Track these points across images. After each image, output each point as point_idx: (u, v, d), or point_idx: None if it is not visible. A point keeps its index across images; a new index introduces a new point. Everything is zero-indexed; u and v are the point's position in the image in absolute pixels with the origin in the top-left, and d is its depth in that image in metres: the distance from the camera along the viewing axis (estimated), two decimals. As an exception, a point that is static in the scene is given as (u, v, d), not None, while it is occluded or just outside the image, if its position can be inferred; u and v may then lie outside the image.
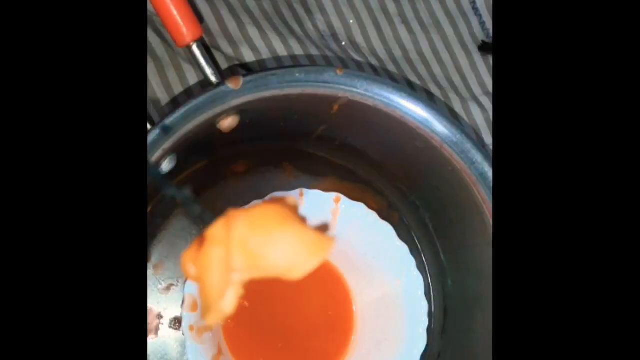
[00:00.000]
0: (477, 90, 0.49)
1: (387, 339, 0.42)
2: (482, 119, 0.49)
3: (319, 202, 0.40)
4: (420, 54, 0.49)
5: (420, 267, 0.42)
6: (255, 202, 0.39)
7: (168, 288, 0.43)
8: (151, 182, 0.35)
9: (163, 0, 0.37)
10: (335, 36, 0.48)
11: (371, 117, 0.39)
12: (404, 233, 0.44)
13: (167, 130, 0.35)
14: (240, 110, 0.37)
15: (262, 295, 0.42)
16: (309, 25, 0.47)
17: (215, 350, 0.39)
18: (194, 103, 0.36)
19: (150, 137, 0.35)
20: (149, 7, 0.39)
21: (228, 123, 0.37)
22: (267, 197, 0.40)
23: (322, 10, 0.47)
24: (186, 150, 0.37)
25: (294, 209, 0.30)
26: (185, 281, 0.38)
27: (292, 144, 0.45)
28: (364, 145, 0.44)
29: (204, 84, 0.37)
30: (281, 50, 0.46)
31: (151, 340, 0.42)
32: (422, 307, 0.41)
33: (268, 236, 0.28)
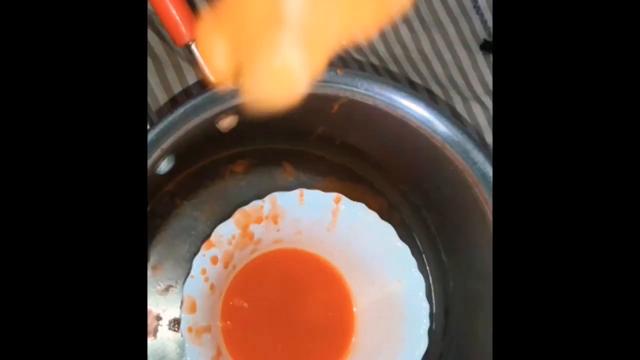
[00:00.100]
0: (478, 90, 0.49)
1: (388, 340, 0.42)
2: (483, 118, 0.49)
3: (319, 202, 0.40)
4: (422, 53, 0.49)
5: (421, 268, 0.42)
6: (255, 202, 0.39)
7: (167, 289, 0.42)
8: (150, 182, 0.35)
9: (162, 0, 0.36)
10: (335, 35, 0.47)
11: (372, 116, 0.39)
12: (405, 234, 0.44)
13: (166, 130, 0.35)
14: (239, 110, 0.37)
15: (262, 296, 0.42)
16: (309, 24, 0.47)
17: (214, 352, 0.39)
18: (193, 103, 0.35)
19: (149, 137, 0.35)
20: (148, 6, 0.39)
21: (227, 123, 0.37)
22: (266, 198, 0.39)
23: (323, 9, 0.47)
24: (185, 150, 0.37)
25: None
26: (184, 282, 0.38)
27: (292, 143, 0.45)
28: (365, 145, 0.43)
29: (203, 84, 0.37)
30: (281, 49, 0.45)
31: (150, 341, 0.42)
32: (423, 308, 0.41)
33: None
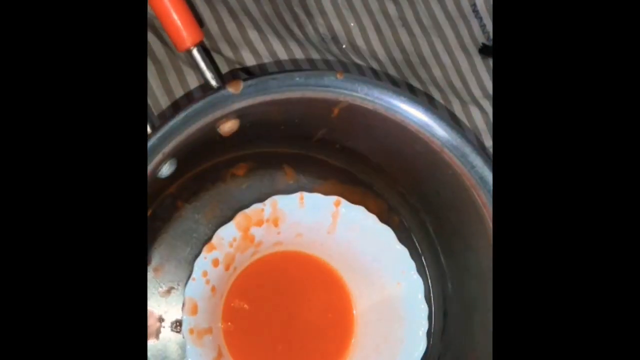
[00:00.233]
0: (477, 93, 0.49)
1: (387, 342, 0.42)
2: (482, 121, 0.49)
3: (319, 205, 0.40)
4: (421, 56, 0.49)
5: (421, 270, 0.42)
6: (255, 205, 0.40)
7: (169, 291, 0.43)
8: (152, 185, 0.36)
9: (163, 4, 0.37)
10: (335, 39, 0.48)
11: (371, 120, 0.39)
12: (404, 236, 0.44)
13: (167, 134, 0.35)
14: (240, 114, 0.37)
15: (263, 298, 0.43)
16: (309, 28, 0.47)
17: (216, 353, 0.39)
18: (194, 107, 0.36)
19: (151, 141, 0.35)
20: (149, 10, 0.39)
21: (228, 127, 0.37)
22: (267, 201, 0.40)
23: (323, 13, 0.48)
24: (186, 154, 0.37)
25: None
26: (186, 284, 0.38)
27: (292, 147, 0.45)
28: (364, 149, 0.44)
29: (205, 88, 0.37)
30: (282, 54, 0.46)
31: (152, 343, 0.42)
32: (422, 310, 0.41)
33: None
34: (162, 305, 0.42)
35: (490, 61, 0.50)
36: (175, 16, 0.37)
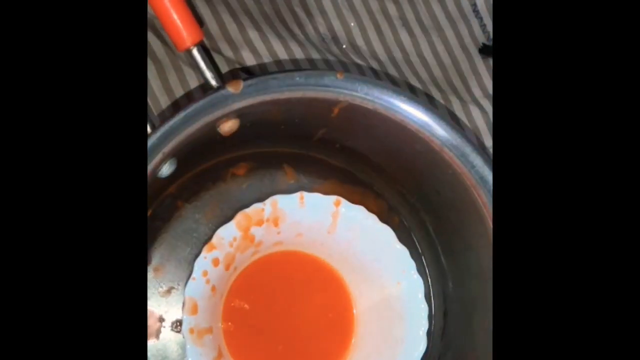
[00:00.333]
0: (477, 93, 0.49)
1: (387, 341, 0.42)
2: (482, 121, 0.49)
3: (319, 205, 0.40)
4: (421, 56, 0.49)
5: (421, 270, 0.42)
6: (256, 205, 0.40)
7: (169, 291, 0.43)
8: (152, 185, 0.36)
9: (163, 4, 0.37)
10: (335, 39, 0.48)
11: (371, 120, 0.39)
12: (404, 236, 0.44)
13: (167, 134, 0.35)
14: (240, 113, 0.37)
15: (263, 297, 0.43)
16: (309, 28, 0.47)
17: (216, 353, 0.39)
18: (194, 107, 0.36)
19: (151, 141, 0.35)
20: (149, 10, 0.39)
21: (228, 126, 0.38)
22: (267, 200, 0.40)
23: (323, 13, 0.48)
24: (187, 154, 0.37)
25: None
26: (186, 284, 0.38)
27: (292, 146, 0.45)
28: (365, 149, 0.44)
29: (205, 88, 0.37)
30: (282, 54, 0.46)
31: (152, 343, 0.42)
32: (422, 310, 0.41)
33: None
34: (162, 305, 0.42)
35: (491, 61, 0.50)
36: (175, 16, 0.37)
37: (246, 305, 0.42)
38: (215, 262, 0.39)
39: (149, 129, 0.36)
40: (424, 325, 0.41)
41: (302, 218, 0.41)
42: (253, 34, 0.45)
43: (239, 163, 0.44)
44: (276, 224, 0.41)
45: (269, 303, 0.43)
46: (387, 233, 0.41)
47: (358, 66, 0.47)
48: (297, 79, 0.37)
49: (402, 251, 0.41)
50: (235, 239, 0.39)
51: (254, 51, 0.45)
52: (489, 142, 0.48)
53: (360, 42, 0.48)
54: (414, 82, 0.48)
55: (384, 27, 0.49)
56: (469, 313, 0.43)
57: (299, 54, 0.46)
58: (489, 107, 0.49)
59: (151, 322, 0.42)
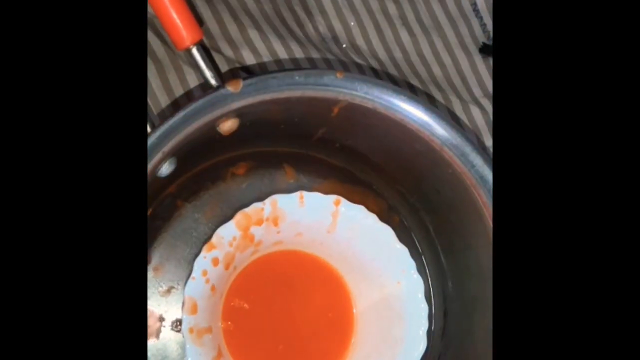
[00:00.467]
0: (477, 92, 0.49)
1: (387, 341, 0.42)
2: (482, 121, 0.49)
3: (319, 205, 0.40)
4: (421, 56, 0.49)
5: (421, 269, 0.42)
6: (255, 204, 0.40)
7: (168, 290, 0.43)
8: (152, 184, 0.36)
9: (163, 3, 0.37)
10: (335, 38, 0.48)
11: (371, 119, 0.39)
12: (404, 235, 0.44)
13: (167, 133, 0.35)
14: (240, 113, 0.37)
15: (263, 297, 0.43)
16: (309, 27, 0.47)
17: (215, 352, 0.39)
18: (193, 106, 0.36)
19: (150, 140, 0.35)
20: (149, 9, 0.39)
21: (228, 126, 0.38)
22: (267, 200, 0.40)
23: (323, 12, 0.48)
24: (186, 153, 0.37)
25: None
26: (185, 284, 0.38)
27: (292, 146, 0.45)
28: (364, 148, 0.44)
29: (205, 87, 0.37)
30: (282, 53, 0.46)
31: (152, 342, 0.42)
32: (422, 310, 0.41)
33: None
34: (162, 305, 0.42)
35: (491, 60, 0.50)
36: (174, 15, 0.37)
37: (246, 305, 0.42)
38: (215, 261, 0.39)
39: (148, 128, 0.36)
40: (424, 324, 0.41)
41: (302, 217, 0.41)
42: (253, 33, 0.45)
43: (239, 162, 0.44)
44: (276, 224, 0.41)
45: (269, 302, 0.43)
46: (387, 232, 0.41)
47: (358, 65, 0.47)
48: (297, 78, 0.37)
49: (402, 251, 0.41)
50: (235, 239, 0.39)
51: (253, 50, 0.45)
52: (489, 141, 0.48)
53: (360, 41, 0.48)
54: (414, 81, 0.48)
55: (384, 26, 0.49)
56: (468, 312, 0.43)
57: (298, 53, 0.46)
58: (489, 107, 0.49)
59: (151, 322, 0.42)
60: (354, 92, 0.38)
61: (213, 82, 0.37)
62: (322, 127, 0.42)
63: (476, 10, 0.51)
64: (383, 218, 0.41)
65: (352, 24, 0.48)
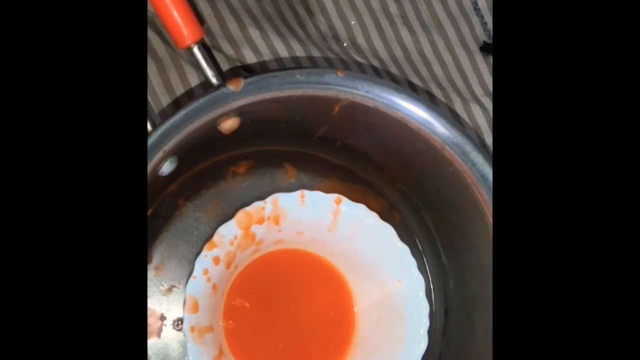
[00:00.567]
0: (478, 91, 0.49)
1: (388, 339, 0.42)
2: (483, 119, 0.49)
3: (320, 203, 0.40)
4: (422, 54, 0.49)
5: (422, 268, 0.42)
6: (256, 203, 0.40)
7: (170, 289, 0.43)
8: (153, 183, 0.36)
9: (163, 2, 0.37)
10: (336, 37, 0.48)
11: (372, 118, 0.39)
12: (405, 234, 0.44)
13: (168, 132, 0.35)
14: (241, 111, 0.37)
15: (264, 296, 0.43)
16: (310, 26, 0.47)
17: (217, 351, 0.40)
18: (194, 105, 0.36)
19: (151, 139, 0.35)
20: (150, 8, 0.39)
21: (229, 125, 0.38)
22: (268, 199, 0.40)
23: (324, 11, 0.48)
24: (187, 152, 0.37)
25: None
26: (187, 282, 0.38)
27: (293, 145, 0.45)
28: (365, 147, 0.44)
29: (205, 86, 0.37)
30: (282, 52, 0.46)
31: (154, 341, 0.42)
32: (423, 308, 0.41)
33: None
34: (164, 304, 0.43)
35: (492, 59, 0.50)
36: (175, 14, 0.37)
37: (247, 304, 0.42)
38: (216, 260, 0.39)
39: (149, 127, 0.36)
40: (425, 323, 0.41)
41: (303, 216, 0.41)
42: (254, 32, 0.45)
43: (240, 161, 0.44)
44: (277, 222, 0.41)
45: (270, 301, 0.43)
46: (387, 231, 0.41)
47: (359, 64, 0.47)
48: (298, 76, 0.37)
49: (403, 249, 0.41)
50: (236, 237, 0.39)
51: (254, 49, 0.45)
52: (489, 139, 0.48)
53: (361, 40, 0.48)
54: (415, 80, 0.48)
55: (385, 25, 0.49)
56: (469, 311, 0.43)
57: (299, 51, 0.46)
58: (489, 105, 0.49)
59: (152, 321, 0.42)
60: (354, 91, 0.38)
61: (214, 80, 0.37)
62: (323, 126, 0.42)
63: (477, 9, 0.51)
64: (384, 217, 0.41)
65: (353, 22, 0.48)
